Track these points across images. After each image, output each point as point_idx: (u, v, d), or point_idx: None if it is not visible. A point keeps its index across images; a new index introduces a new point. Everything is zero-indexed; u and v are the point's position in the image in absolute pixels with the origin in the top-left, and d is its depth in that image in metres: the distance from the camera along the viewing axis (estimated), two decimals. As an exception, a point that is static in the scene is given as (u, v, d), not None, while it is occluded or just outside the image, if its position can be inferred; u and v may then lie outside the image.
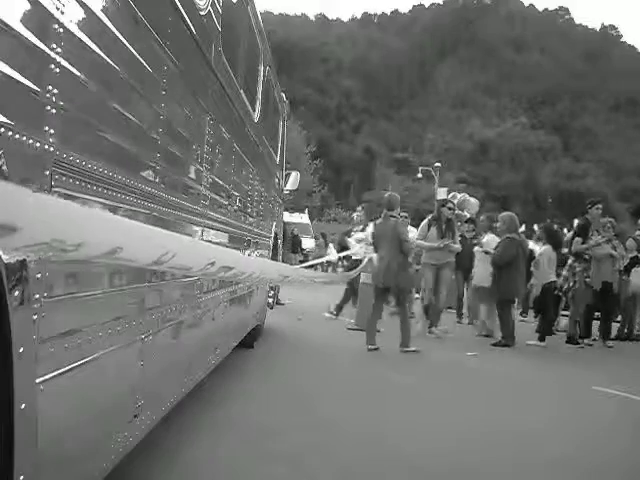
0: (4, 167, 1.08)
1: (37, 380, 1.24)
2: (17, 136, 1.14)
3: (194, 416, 3.09)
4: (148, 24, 1.81)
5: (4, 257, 1.08)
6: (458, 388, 4.55)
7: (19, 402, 1.16)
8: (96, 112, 1.53)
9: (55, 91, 1.26)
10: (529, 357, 6.37)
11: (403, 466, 2.72)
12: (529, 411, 3.98)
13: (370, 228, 8.29)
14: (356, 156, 74.11)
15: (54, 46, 1.25)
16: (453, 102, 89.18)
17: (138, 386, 1.97)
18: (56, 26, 1.26)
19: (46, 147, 1.24)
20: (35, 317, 1.22)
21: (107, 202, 1.59)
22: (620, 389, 4.70)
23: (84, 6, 1.39)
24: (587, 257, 7.20)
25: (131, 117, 1.76)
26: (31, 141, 1.18)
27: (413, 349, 5.83)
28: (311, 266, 5.91)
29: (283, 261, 8.06)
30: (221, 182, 3.17)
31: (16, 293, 1.14)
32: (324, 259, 10.19)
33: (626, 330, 8.63)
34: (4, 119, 1.09)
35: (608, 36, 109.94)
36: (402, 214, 7.14)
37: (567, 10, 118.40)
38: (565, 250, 8.01)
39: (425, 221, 7.45)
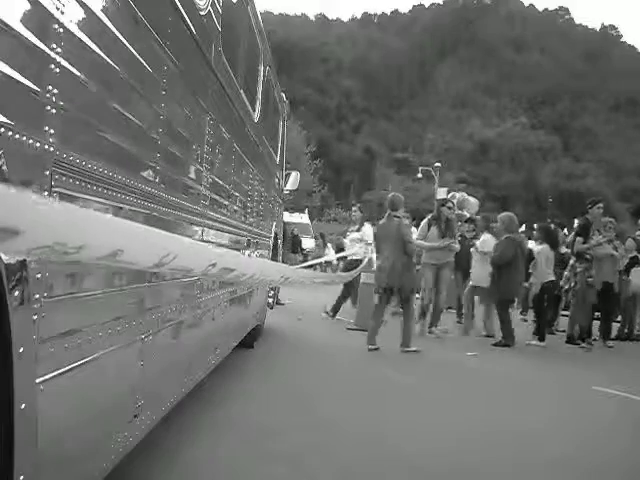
0: (4, 167, 1.08)
1: (37, 380, 1.24)
2: (17, 136, 1.14)
3: (194, 416, 3.09)
4: (148, 24, 1.81)
5: (4, 257, 1.08)
6: (458, 388, 4.55)
7: (19, 402, 1.16)
8: (96, 112, 1.53)
9: (55, 91, 1.26)
10: (529, 357, 6.37)
11: (403, 466, 2.72)
12: (529, 411, 3.98)
13: (365, 228, 8.30)
14: (356, 156, 74.11)
15: (54, 46, 1.25)
16: (453, 102, 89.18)
17: (138, 386, 1.97)
18: (56, 26, 1.26)
19: (46, 147, 1.24)
20: (35, 317, 1.22)
21: (107, 202, 1.59)
22: (620, 389, 4.70)
23: (84, 6, 1.39)
24: (589, 257, 7.19)
25: (131, 117, 1.76)
26: (31, 141, 1.19)
27: (414, 349, 5.83)
28: (310, 266, 5.90)
29: (283, 261, 8.06)
30: (221, 182, 3.17)
31: (16, 293, 1.14)
32: (323, 259, 10.20)
33: (626, 330, 8.64)
34: (4, 119, 1.09)
35: (608, 36, 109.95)
36: (403, 214, 7.13)
37: (567, 10, 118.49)
38: (564, 250, 8.01)
39: (425, 221, 7.44)
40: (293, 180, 7.70)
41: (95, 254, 0.75)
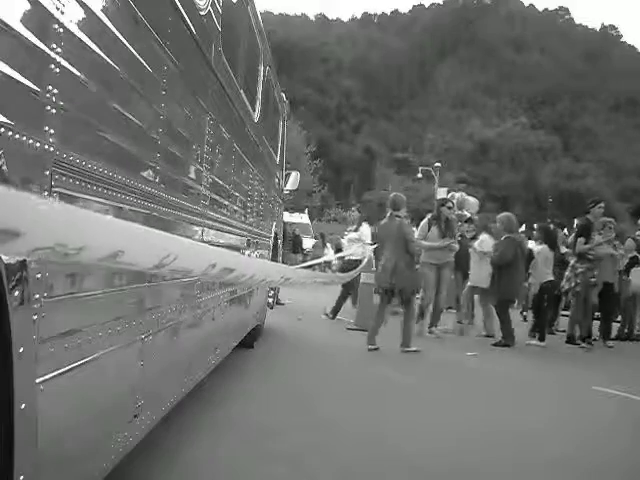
0: (4, 167, 1.08)
1: (37, 380, 1.24)
2: (17, 136, 1.14)
3: (194, 416, 3.09)
4: (148, 24, 1.81)
5: (4, 257, 1.08)
6: (458, 388, 4.55)
7: (19, 402, 1.16)
8: (96, 112, 1.53)
9: (55, 91, 1.26)
10: (529, 357, 6.37)
11: (403, 466, 2.72)
12: (529, 411, 3.98)
13: (363, 228, 8.29)
14: (356, 156, 74.11)
15: (54, 46, 1.25)
16: (453, 102, 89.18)
17: (138, 386, 1.97)
18: (56, 26, 1.26)
19: (46, 147, 1.24)
20: (35, 317, 1.22)
21: (107, 202, 1.59)
22: (620, 389, 4.70)
23: (84, 6, 1.39)
24: (590, 257, 7.18)
25: (131, 117, 1.76)
26: (31, 141, 1.19)
27: (414, 349, 5.83)
28: (310, 266, 5.90)
29: (283, 261, 8.06)
30: (221, 182, 3.17)
31: (16, 293, 1.14)
32: (322, 259, 10.20)
33: (626, 330, 8.64)
34: (4, 119, 1.09)
35: (608, 36, 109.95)
36: (404, 214, 7.12)
37: (567, 10, 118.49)
38: (564, 250, 8.00)
39: (425, 220, 7.43)
40: (293, 180, 7.70)
41: (96, 255, 0.75)
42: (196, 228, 2.67)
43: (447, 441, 3.15)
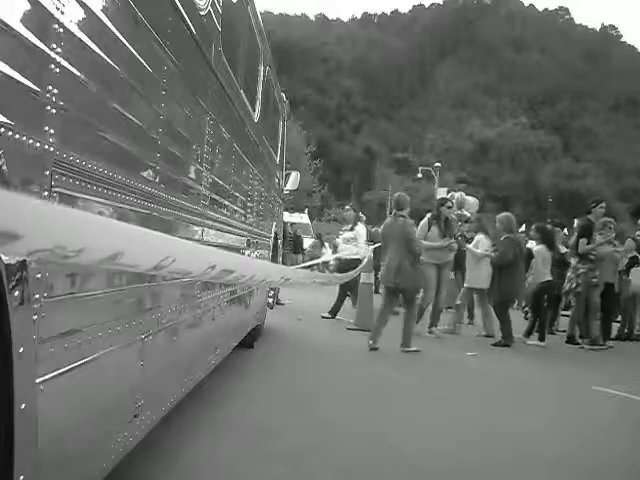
0: (4, 167, 1.08)
1: (37, 380, 1.24)
2: (17, 136, 1.14)
3: (194, 416, 3.09)
4: (148, 24, 1.81)
5: (4, 258, 1.08)
6: (458, 388, 4.55)
7: (19, 402, 1.16)
8: (96, 112, 1.53)
9: (55, 91, 1.26)
10: (529, 357, 6.37)
11: (403, 466, 2.72)
12: (529, 411, 3.98)
13: (358, 227, 8.29)
14: (356, 156, 74.16)
15: (54, 46, 1.25)
16: (453, 102, 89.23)
17: (138, 386, 1.97)
18: (56, 26, 1.26)
19: (46, 147, 1.24)
20: (35, 317, 1.22)
21: (107, 202, 1.59)
22: (620, 389, 4.70)
23: (84, 6, 1.39)
24: (592, 258, 7.17)
25: (131, 117, 1.76)
26: (31, 141, 1.18)
27: (414, 349, 5.83)
28: (309, 266, 5.90)
29: (284, 262, 8.06)
30: (221, 182, 3.17)
31: (16, 293, 1.14)
32: (320, 259, 10.19)
33: (626, 330, 8.63)
34: (4, 119, 1.09)
35: (608, 36, 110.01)
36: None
37: (567, 10, 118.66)
38: (564, 250, 8.00)
39: (425, 220, 7.42)
40: (293, 180, 7.70)
41: (95, 257, 0.75)
42: (196, 228, 2.67)
43: (447, 441, 3.15)
